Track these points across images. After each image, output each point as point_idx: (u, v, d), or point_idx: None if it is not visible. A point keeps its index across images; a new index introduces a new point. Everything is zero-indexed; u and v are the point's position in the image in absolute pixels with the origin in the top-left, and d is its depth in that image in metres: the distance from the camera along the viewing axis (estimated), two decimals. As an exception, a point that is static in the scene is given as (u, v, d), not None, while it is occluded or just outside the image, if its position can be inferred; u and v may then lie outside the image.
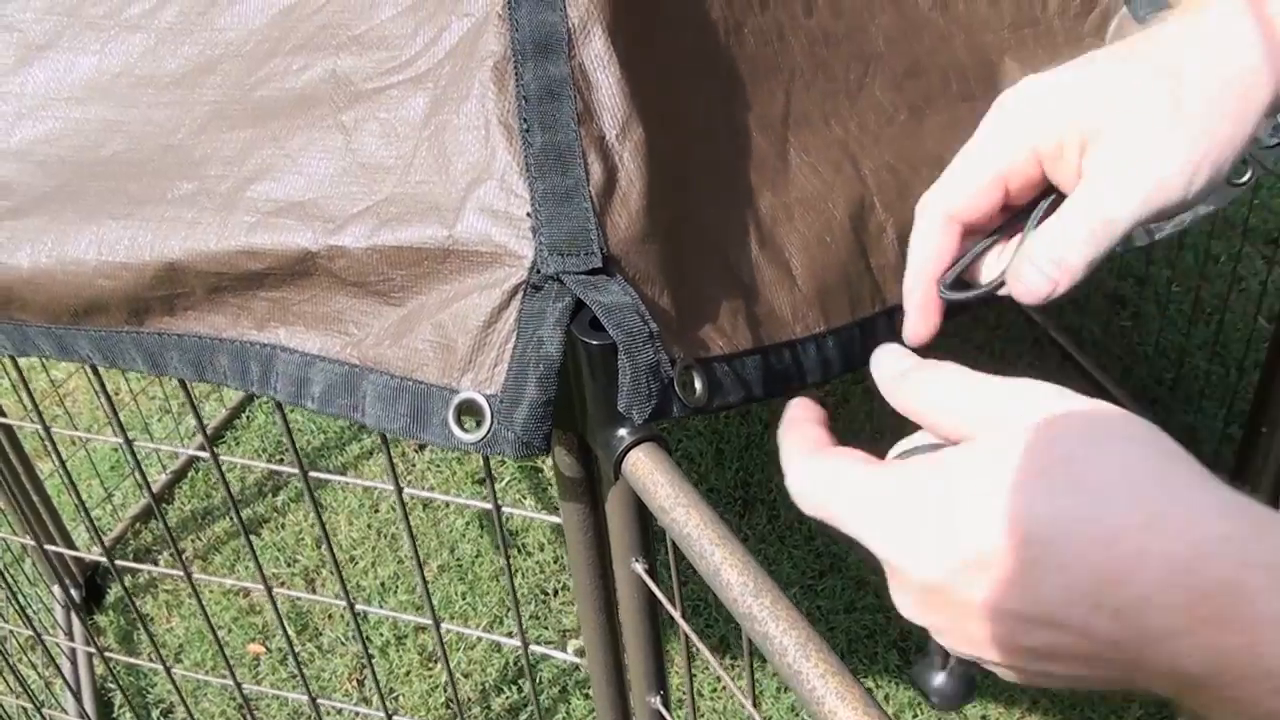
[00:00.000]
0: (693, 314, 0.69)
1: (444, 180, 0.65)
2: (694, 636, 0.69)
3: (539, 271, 0.62)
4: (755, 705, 0.66)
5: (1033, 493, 0.42)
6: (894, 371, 0.56)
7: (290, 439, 0.81)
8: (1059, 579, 0.41)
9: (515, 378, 0.63)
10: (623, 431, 0.66)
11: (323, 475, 0.82)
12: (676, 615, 0.70)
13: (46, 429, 0.91)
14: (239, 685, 1.05)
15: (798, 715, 1.93)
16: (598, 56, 0.68)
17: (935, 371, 0.53)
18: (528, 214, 0.63)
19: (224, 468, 2.41)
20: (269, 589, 0.95)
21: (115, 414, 0.87)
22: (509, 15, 0.67)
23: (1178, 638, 0.38)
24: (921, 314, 0.65)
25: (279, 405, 0.80)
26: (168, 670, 1.06)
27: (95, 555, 2.17)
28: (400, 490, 0.81)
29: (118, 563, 1.01)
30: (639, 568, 0.74)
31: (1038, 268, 0.60)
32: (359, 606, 0.93)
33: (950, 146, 0.98)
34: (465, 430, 0.65)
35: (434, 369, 0.66)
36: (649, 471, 0.64)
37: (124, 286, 0.74)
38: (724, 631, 1.97)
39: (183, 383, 0.84)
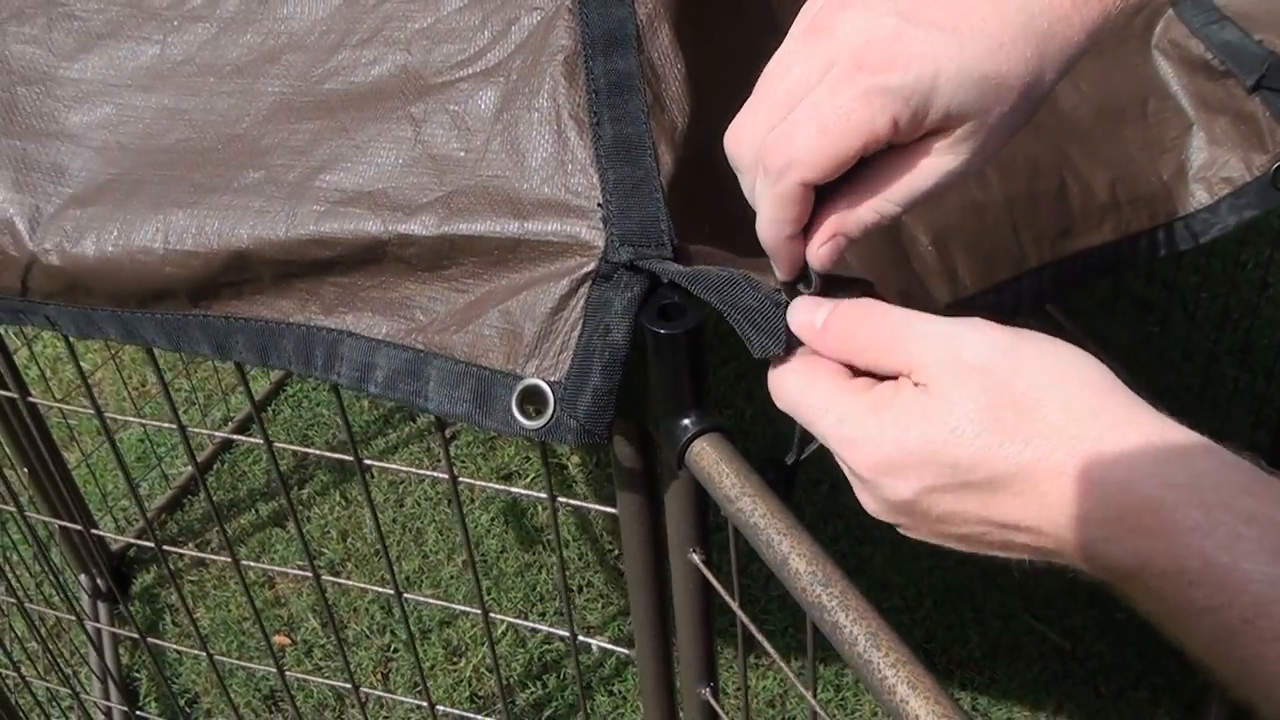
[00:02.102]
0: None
1: (518, 174, 0.66)
2: (752, 627, 0.69)
3: (609, 261, 0.63)
4: (815, 696, 0.66)
5: (994, 436, 0.49)
6: (815, 317, 0.58)
7: (348, 427, 0.81)
8: (1018, 501, 0.49)
9: (580, 365, 0.64)
10: (686, 421, 0.66)
11: (378, 463, 0.83)
12: (735, 606, 0.70)
13: (101, 413, 0.91)
14: (282, 673, 1.05)
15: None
16: (665, 51, 0.68)
17: (866, 310, 0.56)
18: (599, 205, 0.63)
19: (255, 458, 2.42)
20: (317, 576, 0.95)
21: (169, 394, 0.87)
22: (579, 10, 0.67)
23: (1112, 542, 0.47)
24: (789, 266, 0.61)
25: (337, 392, 0.80)
26: (210, 655, 1.06)
27: (128, 539, 2.18)
28: (455, 481, 0.82)
29: (164, 547, 1.02)
30: (696, 558, 0.74)
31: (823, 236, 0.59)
32: (407, 595, 0.94)
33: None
34: (528, 417, 0.66)
35: (499, 355, 0.66)
36: (714, 461, 0.65)
37: (192, 274, 0.74)
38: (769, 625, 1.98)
39: (239, 365, 0.85)
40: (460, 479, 0.81)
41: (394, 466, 0.82)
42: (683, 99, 0.69)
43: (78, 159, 0.82)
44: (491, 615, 0.92)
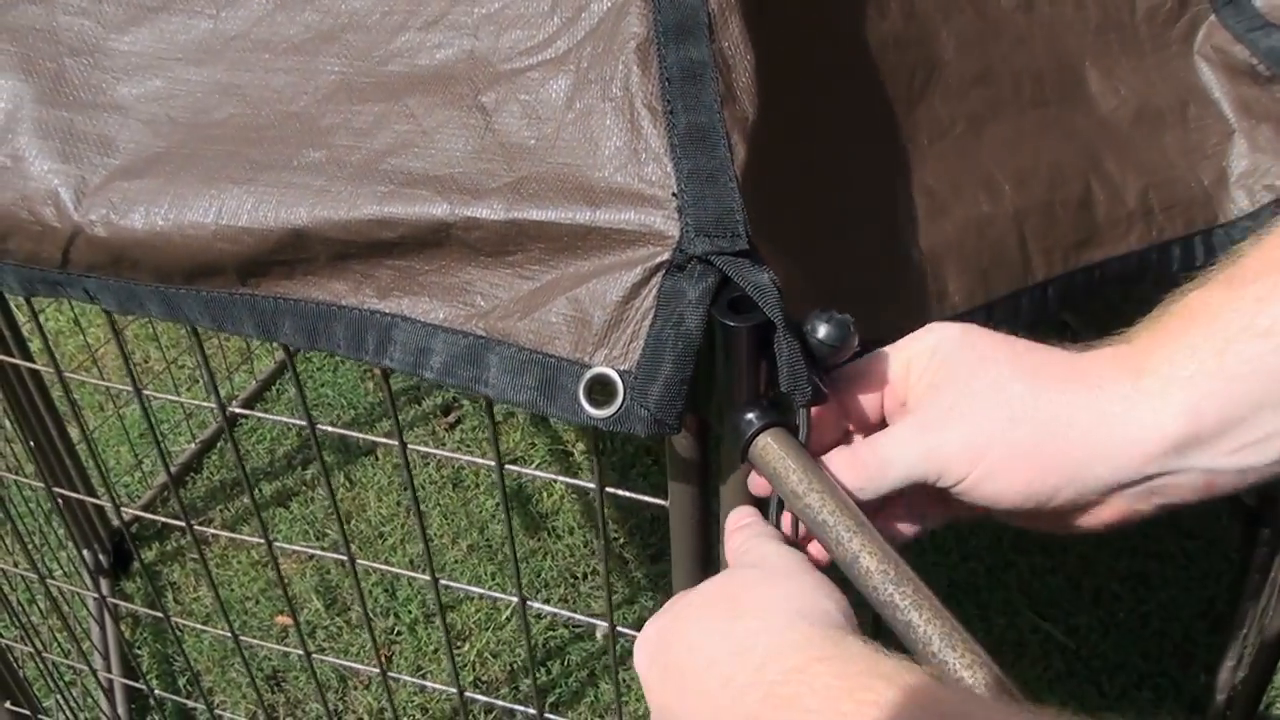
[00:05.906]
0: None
1: (590, 162, 0.65)
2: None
3: (684, 251, 0.62)
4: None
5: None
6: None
7: (393, 407, 0.81)
8: None
9: (652, 354, 0.63)
10: (751, 415, 0.66)
11: (420, 448, 0.82)
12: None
13: (140, 389, 0.91)
14: (309, 654, 1.05)
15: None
16: (736, 42, 0.68)
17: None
18: (673, 194, 0.63)
19: (259, 437, 2.41)
20: (351, 560, 0.95)
21: (209, 374, 0.87)
22: None
23: None
24: None
25: (385, 376, 0.79)
26: (235, 637, 1.06)
27: (137, 511, 2.17)
28: (501, 466, 0.81)
29: (184, 526, 1.01)
30: (749, 552, 0.73)
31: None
32: (444, 582, 0.93)
33: (1005, 160, 0.95)
34: (595, 406, 0.65)
35: (566, 343, 0.66)
36: (779, 456, 0.64)
37: (244, 250, 0.73)
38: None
39: (286, 349, 0.84)
40: (508, 466, 0.80)
41: (437, 451, 0.82)
42: (752, 90, 0.68)
43: (125, 131, 0.81)
44: (530, 603, 0.92)
